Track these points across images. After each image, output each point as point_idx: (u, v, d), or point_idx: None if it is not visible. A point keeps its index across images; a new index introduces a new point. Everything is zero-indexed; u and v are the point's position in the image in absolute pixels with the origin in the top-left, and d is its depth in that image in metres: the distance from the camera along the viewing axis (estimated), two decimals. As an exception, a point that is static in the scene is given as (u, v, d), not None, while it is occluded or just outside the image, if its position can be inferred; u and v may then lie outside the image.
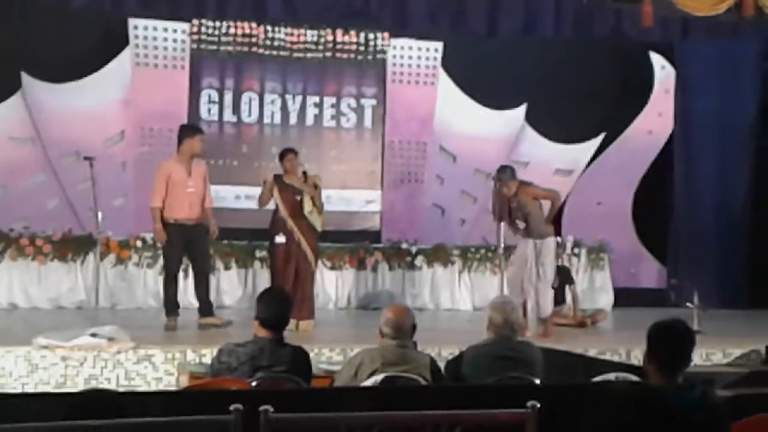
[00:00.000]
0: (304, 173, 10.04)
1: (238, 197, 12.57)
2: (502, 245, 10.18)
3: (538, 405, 4.24)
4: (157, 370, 8.16)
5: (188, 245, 9.77)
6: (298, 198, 9.91)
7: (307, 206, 9.88)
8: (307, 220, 9.89)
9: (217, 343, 6.13)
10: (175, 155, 9.87)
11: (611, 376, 5.55)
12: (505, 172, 10.15)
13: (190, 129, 10.12)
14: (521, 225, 10.10)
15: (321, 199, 10.07)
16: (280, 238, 9.90)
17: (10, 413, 3.83)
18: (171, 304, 9.76)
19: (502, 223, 10.27)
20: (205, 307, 9.86)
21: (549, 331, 9.94)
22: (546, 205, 10.23)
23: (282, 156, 10.22)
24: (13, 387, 7.83)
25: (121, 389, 7.69)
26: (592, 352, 8.83)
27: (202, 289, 9.90)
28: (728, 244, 13.69)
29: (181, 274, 10.09)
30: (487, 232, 12.16)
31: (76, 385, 7.87)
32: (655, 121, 14.18)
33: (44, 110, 12.07)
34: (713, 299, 12.30)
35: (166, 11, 12.27)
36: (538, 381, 5.54)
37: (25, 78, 11.95)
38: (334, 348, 8.54)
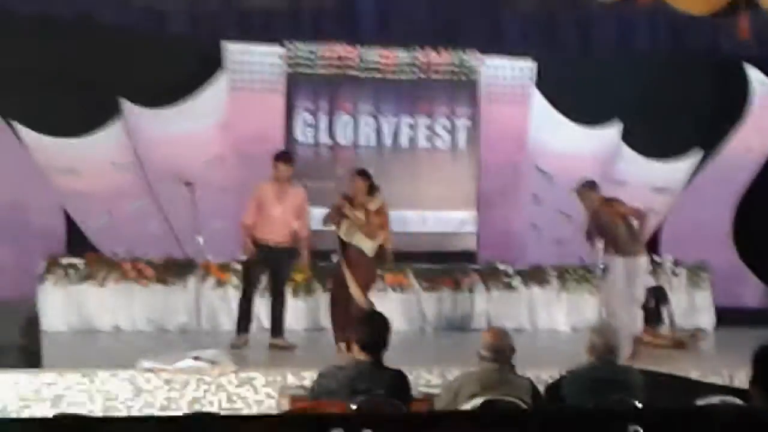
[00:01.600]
0: (362, 199, 9.89)
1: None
2: (601, 265, 10.05)
3: (641, 429, 4.19)
4: (258, 393, 8.23)
5: (271, 267, 9.97)
6: (342, 221, 9.89)
7: (343, 229, 9.82)
8: (351, 244, 9.83)
9: (318, 366, 6.17)
10: (271, 178, 10.04)
11: (715, 399, 5.46)
12: (585, 185, 10.04)
13: (276, 155, 10.20)
14: (600, 244, 9.99)
15: (377, 222, 9.85)
16: (335, 258, 10.15)
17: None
18: (241, 322, 9.94)
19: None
20: (275, 328, 10.02)
21: (637, 352, 9.75)
22: (635, 223, 10.07)
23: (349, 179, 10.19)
24: (119, 410, 7.96)
25: (223, 412, 7.78)
26: (694, 375, 8.66)
27: (275, 310, 10.06)
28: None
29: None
30: (584, 252, 12.06)
31: (180, 408, 7.97)
32: (755, 137, 13.93)
33: (144, 135, 12.30)
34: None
35: (261, 35, 12.53)
36: (639, 404, 5.48)
37: (125, 104, 12.19)
38: (433, 371, 8.53)
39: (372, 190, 9.97)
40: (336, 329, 9.86)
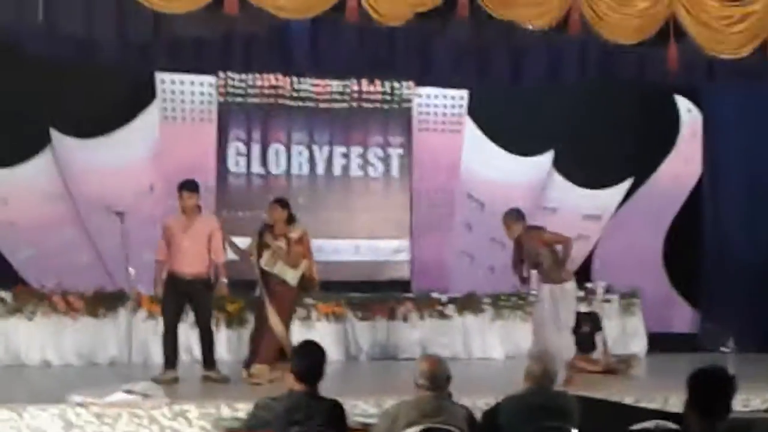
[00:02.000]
0: (284, 229, 9.95)
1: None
2: (533, 291, 10.09)
3: (579, 455, 4.20)
4: (192, 425, 8.12)
5: (191, 299, 9.89)
6: (264, 251, 9.90)
7: (264, 259, 9.83)
8: (271, 274, 9.83)
9: (252, 397, 6.11)
10: (178, 210, 9.99)
11: (650, 424, 5.52)
12: (509, 214, 10.17)
13: (180, 184, 10.05)
14: (525, 273, 10.10)
15: (298, 251, 9.87)
16: (257, 291, 10.05)
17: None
18: (167, 358, 9.82)
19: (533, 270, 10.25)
20: (206, 360, 9.94)
21: (571, 378, 9.83)
22: (560, 249, 10.19)
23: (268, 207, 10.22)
24: (49, 445, 7.83)
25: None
26: (628, 400, 8.73)
27: (203, 342, 9.96)
28: (763, 286, 13.52)
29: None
30: (517, 280, 12.12)
31: (111, 442, 7.86)
32: (683, 165, 14.11)
33: (74, 166, 12.15)
34: (749, 342, 12.17)
35: (193, 65, 12.45)
36: (576, 431, 5.50)
37: (54, 134, 12.05)
38: (368, 400, 8.49)
39: (291, 218, 10.01)
40: (258, 352, 9.81)
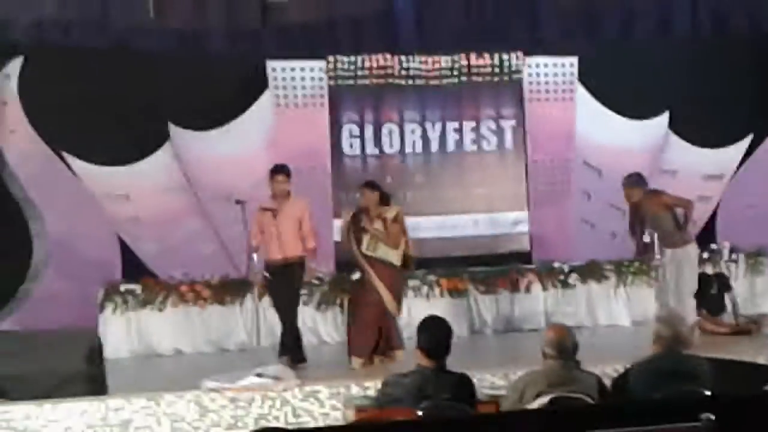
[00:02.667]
0: (379, 211, 9.83)
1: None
2: (657, 256, 9.95)
3: (713, 417, 4.14)
4: (323, 405, 8.26)
5: (279, 286, 9.78)
6: (361, 235, 9.79)
7: (364, 243, 9.73)
8: (374, 257, 9.73)
9: (381, 375, 6.18)
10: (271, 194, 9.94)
11: (785, 383, 5.40)
12: (629, 179, 10.10)
13: (272, 169, 10.03)
14: (646, 239, 9.97)
15: (396, 231, 9.77)
16: (355, 275, 10.08)
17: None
18: (283, 346, 9.82)
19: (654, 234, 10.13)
20: (288, 351, 9.74)
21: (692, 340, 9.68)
22: (680, 213, 10.06)
23: (360, 190, 10.09)
24: (187, 431, 8.03)
25: (290, 427, 7.81)
26: (761, 360, 8.58)
27: (288, 331, 9.81)
28: None
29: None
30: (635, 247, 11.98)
31: (247, 425, 8.03)
32: (805, 116, 13.77)
33: (193, 158, 12.40)
34: None
35: (303, 51, 12.60)
36: (708, 393, 5.42)
37: (173, 128, 12.30)
38: (496, 372, 8.51)
39: (384, 199, 9.94)
40: (356, 344, 9.69)
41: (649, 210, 9.97)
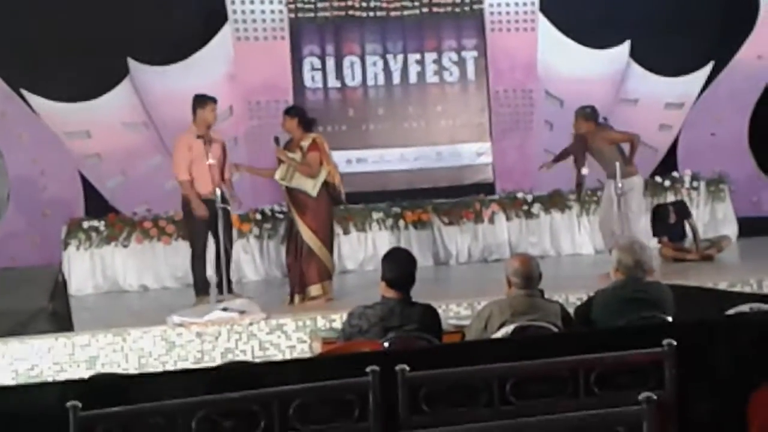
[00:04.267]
0: (300, 140, 9.50)
1: (350, 161, 12.62)
2: (620, 185, 10.01)
3: (674, 343, 4.20)
4: (290, 338, 8.31)
5: (211, 220, 9.47)
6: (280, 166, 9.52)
7: (278, 173, 9.42)
8: (290, 187, 9.42)
9: (346, 307, 6.21)
10: (191, 128, 9.67)
11: (745, 307, 5.47)
12: (582, 110, 10.38)
13: (200, 98, 9.70)
14: (585, 171, 10.30)
15: (318, 160, 9.40)
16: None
17: (153, 392, 3.95)
18: (201, 284, 9.60)
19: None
20: (226, 285, 9.50)
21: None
22: (626, 147, 10.30)
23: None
24: (154, 366, 8.06)
25: (257, 360, 7.85)
26: (722, 286, 8.70)
27: (223, 266, 9.44)
28: None
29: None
30: (602, 174, 12.04)
31: (214, 359, 8.07)
32: (764, 45, 13.77)
33: (153, 93, 12.28)
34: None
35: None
36: (670, 319, 5.50)
37: (132, 63, 12.18)
38: (461, 302, 8.58)
39: (307, 126, 9.57)
40: (292, 280, 9.50)
41: (595, 144, 10.21)
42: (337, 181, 9.53)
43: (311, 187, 9.35)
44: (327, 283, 9.45)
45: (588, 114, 10.27)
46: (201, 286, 9.62)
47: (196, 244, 9.71)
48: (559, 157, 11.03)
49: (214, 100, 9.74)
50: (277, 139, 9.57)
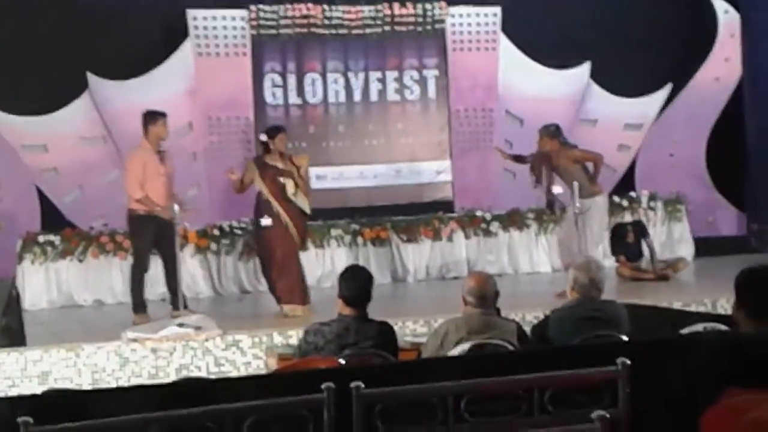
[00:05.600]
0: (290, 156, 9.88)
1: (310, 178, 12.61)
2: (578, 204, 10.06)
3: (628, 362, 4.22)
4: (245, 354, 8.28)
5: (159, 236, 9.43)
6: (281, 180, 9.65)
7: (290, 188, 9.64)
8: (293, 203, 9.66)
9: (302, 324, 6.19)
10: (144, 144, 9.63)
11: (699, 327, 5.50)
12: (546, 128, 10.41)
13: (152, 114, 9.65)
14: (557, 190, 10.36)
15: (307, 180, 9.87)
16: (266, 221, 9.60)
17: (107, 408, 3.90)
18: (141, 301, 9.55)
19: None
20: (177, 301, 9.42)
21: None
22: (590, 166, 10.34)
23: (273, 135, 9.83)
24: (107, 382, 7.99)
25: (212, 376, 7.80)
26: (677, 305, 8.76)
27: (173, 281, 9.48)
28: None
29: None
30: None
31: (168, 375, 8.01)
32: (722, 67, 13.96)
33: (112, 108, 12.21)
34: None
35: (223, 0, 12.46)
36: (625, 338, 5.52)
37: (91, 78, 12.10)
38: (418, 320, 8.58)
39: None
40: (284, 293, 9.62)
41: (561, 163, 10.23)
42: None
43: (307, 206, 9.79)
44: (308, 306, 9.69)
45: (552, 132, 10.33)
46: (140, 304, 9.55)
47: (141, 261, 9.65)
48: (517, 159, 11.03)
49: (164, 115, 9.70)
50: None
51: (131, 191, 9.51)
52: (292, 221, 9.64)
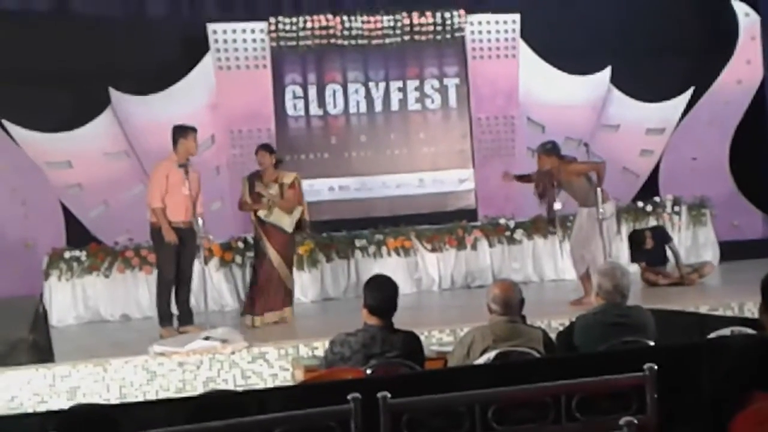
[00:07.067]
0: (277, 175, 9.97)
1: (332, 189, 12.66)
2: (601, 210, 10.02)
3: (656, 367, 4.19)
4: (272, 366, 8.28)
5: (179, 250, 9.51)
6: (262, 198, 9.89)
7: (261, 212, 9.84)
8: (269, 222, 9.85)
9: (329, 335, 6.18)
10: (171, 156, 9.62)
11: (726, 331, 5.47)
12: (543, 146, 10.22)
13: (182, 129, 9.66)
14: (557, 206, 10.22)
15: (295, 196, 9.94)
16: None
17: (135, 422, 3.91)
18: (167, 314, 9.59)
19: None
20: (185, 316, 9.61)
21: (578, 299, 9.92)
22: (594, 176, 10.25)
23: (256, 152, 10.09)
24: (135, 396, 8.00)
25: (239, 389, 7.81)
26: (703, 309, 8.72)
27: (184, 296, 9.66)
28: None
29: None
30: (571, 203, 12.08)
31: (195, 388, 8.02)
32: (744, 69, 13.93)
33: (135, 123, 12.29)
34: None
35: (243, 12, 12.51)
36: (652, 343, 5.49)
37: (114, 93, 12.17)
38: (444, 329, 8.56)
39: (278, 163, 10.03)
40: (249, 303, 10.00)
41: (563, 178, 10.11)
42: (307, 216, 10.10)
43: (288, 224, 9.90)
44: (289, 309, 10.02)
45: (549, 149, 10.12)
46: (166, 317, 9.58)
47: (165, 272, 9.66)
48: (522, 179, 10.72)
49: (194, 130, 9.73)
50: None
51: (150, 199, 9.54)
52: (268, 240, 9.86)
